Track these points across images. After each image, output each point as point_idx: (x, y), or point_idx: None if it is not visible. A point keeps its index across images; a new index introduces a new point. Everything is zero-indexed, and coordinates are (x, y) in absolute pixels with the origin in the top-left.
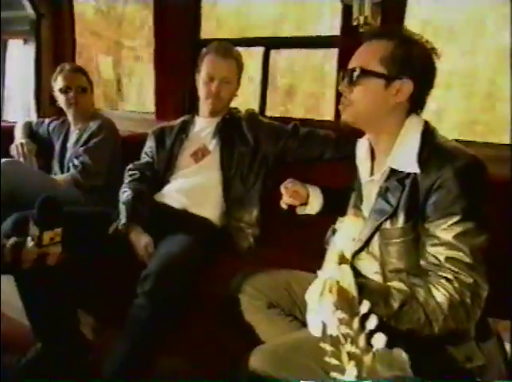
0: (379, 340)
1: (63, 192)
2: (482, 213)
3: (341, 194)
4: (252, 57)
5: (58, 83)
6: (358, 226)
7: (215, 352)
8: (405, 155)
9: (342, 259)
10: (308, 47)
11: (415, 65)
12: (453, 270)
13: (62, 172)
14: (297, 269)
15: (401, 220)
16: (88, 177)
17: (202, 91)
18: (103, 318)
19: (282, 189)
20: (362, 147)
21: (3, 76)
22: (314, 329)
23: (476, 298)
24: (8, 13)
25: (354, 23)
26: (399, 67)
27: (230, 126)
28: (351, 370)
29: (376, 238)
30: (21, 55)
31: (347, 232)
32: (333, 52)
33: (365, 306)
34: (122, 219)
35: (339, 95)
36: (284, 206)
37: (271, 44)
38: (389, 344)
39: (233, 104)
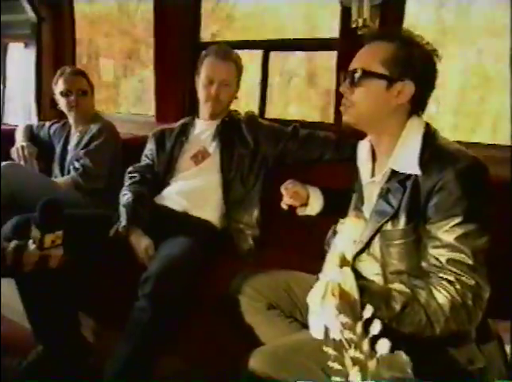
0: (383, 346)
1: (63, 195)
2: (484, 215)
3: (341, 195)
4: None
5: (59, 86)
6: (359, 228)
7: (215, 353)
8: (406, 157)
9: (343, 261)
10: (308, 49)
11: (416, 67)
12: (455, 272)
13: (62, 175)
14: (298, 270)
15: (402, 221)
16: (89, 179)
17: (201, 94)
18: (104, 321)
19: (283, 190)
20: (363, 148)
21: (4, 80)
22: (316, 332)
23: (478, 299)
24: (9, 17)
25: (353, 25)
26: (401, 68)
27: (230, 129)
28: (355, 375)
29: (377, 239)
30: (22, 58)
31: (348, 234)
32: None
33: (368, 311)
34: (123, 221)
35: (338, 98)
36: (284, 207)
37: (270, 46)
38: (391, 346)
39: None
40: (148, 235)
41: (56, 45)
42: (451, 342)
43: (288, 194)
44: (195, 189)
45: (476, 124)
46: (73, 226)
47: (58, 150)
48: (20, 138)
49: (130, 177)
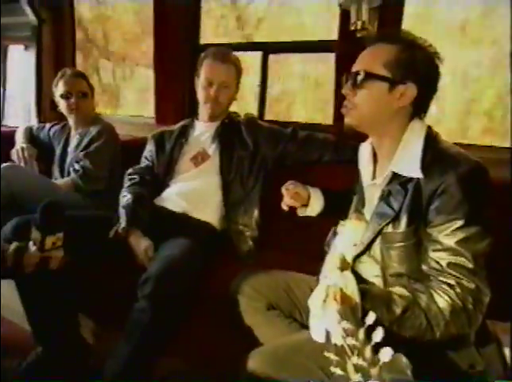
0: (386, 354)
1: (63, 197)
2: (485, 219)
3: (342, 196)
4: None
5: (59, 88)
6: (359, 230)
7: (215, 353)
8: (407, 160)
9: (343, 263)
10: (306, 51)
11: (419, 69)
12: (455, 276)
13: (62, 176)
14: (297, 271)
15: (403, 224)
16: (89, 181)
17: (201, 96)
18: (104, 322)
19: (283, 191)
20: (364, 151)
21: (4, 82)
22: (317, 335)
23: (478, 303)
24: (9, 19)
25: (352, 28)
26: (403, 71)
27: (230, 131)
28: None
29: (378, 242)
30: (22, 60)
31: (349, 237)
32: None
33: (371, 318)
34: (122, 223)
35: (337, 99)
36: (285, 208)
37: (269, 48)
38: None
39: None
40: (147, 236)
41: (57, 47)
42: (450, 345)
43: (289, 195)
44: (194, 191)
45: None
46: (73, 227)
47: (58, 151)
48: (20, 140)
49: (130, 179)
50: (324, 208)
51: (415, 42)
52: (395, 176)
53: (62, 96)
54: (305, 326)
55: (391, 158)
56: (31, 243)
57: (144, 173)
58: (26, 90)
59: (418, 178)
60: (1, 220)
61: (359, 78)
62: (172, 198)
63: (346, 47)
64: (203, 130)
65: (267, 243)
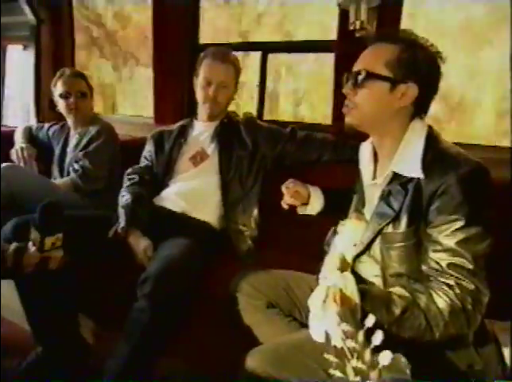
0: (386, 357)
1: (63, 196)
2: (485, 220)
3: (342, 195)
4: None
5: (58, 88)
6: (359, 230)
7: (215, 353)
8: (408, 160)
9: (343, 264)
10: (306, 51)
11: (420, 69)
12: (455, 277)
13: (61, 176)
14: (297, 271)
15: (403, 224)
16: (88, 181)
17: (200, 96)
18: (103, 322)
19: (283, 189)
20: (365, 150)
21: (3, 81)
22: (317, 336)
23: (477, 304)
24: (8, 19)
25: (351, 27)
26: (405, 71)
27: (229, 130)
28: None
29: (378, 241)
30: (21, 60)
31: (349, 237)
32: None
33: (370, 320)
34: (122, 222)
35: (336, 99)
36: (285, 206)
37: (268, 48)
38: (390, 349)
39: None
40: (147, 236)
41: (55, 47)
42: (449, 345)
43: (289, 193)
44: (193, 191)
45: None
46: (72, 227)
47: (57, 151)
48: (19, 140)
49: (129, 179)
50: (324, 206)
51: (417, 42)
52: (396, 176)
53: (61, 96)
54: (305, 325)
55: (392, 158)
56: (30, 243)
57: (143, 173)
58: (25, 90)
59: (419, 178)
60: (1, 220)
61: (360, 77)
62: (172, 198)
63: (345, 47)
64: (202, 130)
65: (266, 242)
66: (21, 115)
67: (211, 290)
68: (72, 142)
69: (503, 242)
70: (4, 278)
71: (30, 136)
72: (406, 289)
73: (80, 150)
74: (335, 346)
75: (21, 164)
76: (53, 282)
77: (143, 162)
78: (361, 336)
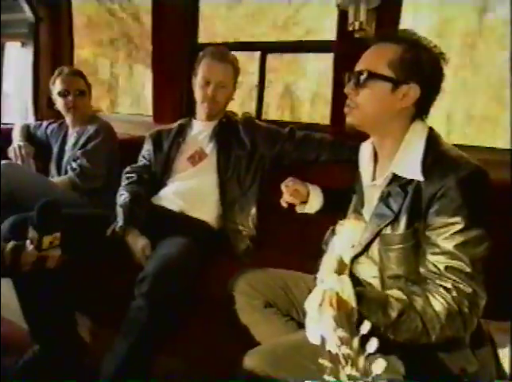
0: (379, 365)
1: (61, 195)
2: (484, 223)
3: (341, 194)
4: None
5: (56, 86)
6: (358, 230)
7: (212, 352)
8: (408, 161)
9: (340, 266)
10: (305, 51)
11: (423, 70)
12: (452, 280)
13: (59, 174)
14: (295, 270)
15: (402, 226)
16: (86, 179)
17: (198, 95)
18: (101, 320)
19: (283, 188)
20: (365, 150)
21: (1, 79)
22: (313, 338)
23: (474, 307)
24: (6, 16)
25: (350, 28)
26: (407, 71)
27: (227, 130)
28: None
29: (376, 243)
30: (19, 58)
31: (347, 237)
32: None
33: (365, 327)
34: (120, 221)
35: (335, 99)
36: (284, 204)
37: (268, 48)
38: (385, 351)
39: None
40: (145, 235)
41: (54, 45)
42: (445, 347)
43: (289, 192)
44: (191, 190)
45: None
46: (70, 226)
47: (55, 149)
48: (17, 138)
49: (127, 178)
50: (323, 205)
51: (419, 42)
52: (395, 177)
53: (59, 94)
54: (302, 325)
55: (392, 159)
56: (28, 241)
57: (141, 172)
58: (23, 88)
59: (419, 180)
60: (0, 218)
61: (362, 77)
62: (170, 197)
63: (344, 47)
64: (200, 130)
65: (265, 242)
66: (18, 113)
67: (208, 289)
68: (70, 140)
69: (503, 243)
70: (1, 276)
71: (28, 134)
72: (404, 291)
73: (78, 149)
74: (329, 351)
75: (19, 162)
76: (51, 280)
77: (141, 161)
78: (356, 343)
